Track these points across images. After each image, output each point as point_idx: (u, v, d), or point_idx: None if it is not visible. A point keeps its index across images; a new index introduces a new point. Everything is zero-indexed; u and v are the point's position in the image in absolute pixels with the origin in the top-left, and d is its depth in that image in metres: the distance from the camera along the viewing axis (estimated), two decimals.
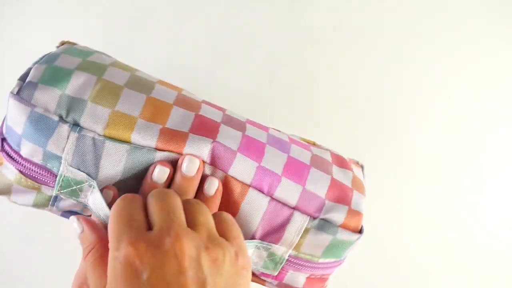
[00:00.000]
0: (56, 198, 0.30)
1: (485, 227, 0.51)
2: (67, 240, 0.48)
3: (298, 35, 0.52)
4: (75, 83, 0.29)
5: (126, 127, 0.28)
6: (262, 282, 0.34)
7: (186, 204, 0.26)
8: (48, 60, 0.30)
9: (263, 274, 0.32)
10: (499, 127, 0.51)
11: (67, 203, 0.30)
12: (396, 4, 0.52)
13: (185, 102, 0.31)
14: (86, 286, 0.28)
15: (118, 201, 0.26)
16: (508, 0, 0.52)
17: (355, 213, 0.32)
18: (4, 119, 0.30)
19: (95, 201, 0.28)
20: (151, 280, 0.22)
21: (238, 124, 0.31)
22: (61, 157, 0.28)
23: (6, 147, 0.29)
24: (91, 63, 0.30)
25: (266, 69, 0.52)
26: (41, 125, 0.28)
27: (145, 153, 0.28)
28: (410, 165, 0.51)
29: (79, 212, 0.32)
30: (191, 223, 0.25)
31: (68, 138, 0.28)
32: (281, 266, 0.31)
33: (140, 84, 0.30)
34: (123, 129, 0.28)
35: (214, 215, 0.27)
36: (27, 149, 0.28)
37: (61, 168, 0.28)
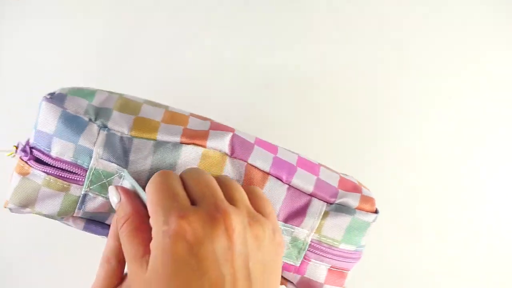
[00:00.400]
0: (84, 198, 0.30)
1: (485, 227, 0.51)
2: (67, 244, 0.48)
3: (297, 36, 0.52)
4: (100, 98, 0.32)
5: (150, 129, 0.31)
6: (284, 282, 0.34)
7: (219, 181, 0.27)
8: (66, 88, 0.32)
9: (285, 267, 0.33)
10: (499, 127, 0.51)
11: (94, 204, 0.31)
12: (395, 4, 0.52)
13: (199, 116, 0.34)
14: (113, 260, 0.28)
15: (156, 176, 0.26)
16: (508, 0, 0.52)
17: (368, 199, 0.33)
18: (30, 140, 0.31)
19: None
20: (202, 254, 0.23)
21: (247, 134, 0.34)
22: (92, 151, 0.29)
23: (35, 152, 0.30)
24: (107, 91, 0.33)
25: (265, 71, 0.52)
26: (73, 123, 0.30)
27: (171, 146, 0.30)
28: (410, 165, 0.51)
29: (105, 217, 0.32)
30: (230, 200, 0.25)
31: (98, 134, 0.30)
32: (304, 253, 0.32)
33: (155, 103, 0.34)
34: (148, 131, 0.31)
35: (247, 190, 0.27)
36: (58, 147, 0.29)
37: (91, 161, 0.29)
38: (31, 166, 0.30)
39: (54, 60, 0.50)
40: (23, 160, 0.30)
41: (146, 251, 0.25)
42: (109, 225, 0.32)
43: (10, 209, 0.31)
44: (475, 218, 0.51)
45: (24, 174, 0.30)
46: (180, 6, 0.52)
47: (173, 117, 0.32)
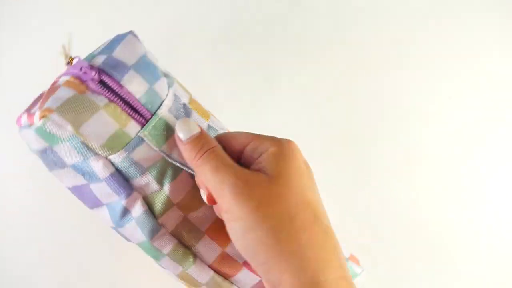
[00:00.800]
0: (137, 142, 0.28)
1: (485, 227, 0.51)
2: (66, 243, 0.48)
3: (298, 33, 0.52)
4: (161, 66, 0.31)
5: (204, 113, 0.32)
6: None
7: None
8: None
9: None
10: (499, 127, 0.51)
11: (143, 152, 0.28)
12: (395, 4, 0.52)
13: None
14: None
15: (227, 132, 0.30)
16: (508, 1, 0.52)
17: None
18: (94, 57, 0.29)
19: None
20: (310, 172, 0.28)
21: None
22: (163, 101, 0.29)
23: (104, 76, 0.28)
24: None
25: (267, 68, 0.52)
26: (152, 67, 0.29)
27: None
28: (409, 165, 0.51)
29: (136, 175, 0.29)
30: None
31: (168, 90, 0.30)
32: None
33: None
34: (203, 113, 0.31)
35: None
36: (131, 81, 0.28)
37: (160, 110, 0.29)
38: (89, 87, 0.27)
39: (54, 60, 0.50)
40: (80, 79, 0.27)
41: (245, 168, 0.27)
42: (131, 187, 0.29)
43: (45, 121, 0.26)
44: (475, 218, 0.51)
45: (79, 92, 0.27)
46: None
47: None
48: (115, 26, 0.51)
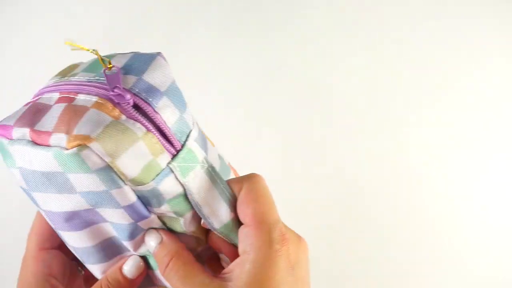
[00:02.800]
0: (166, 174, 0.26)
1: (485, 227, 0.51)
2: None
3: (297, 34, 0.52)
4: None
5: (210, 141, 0.32)
6: None
7: None
8: None
9: None
10: (498, 126, 0.51)
11: (167, 185, 0.26)
12: (395, 4, 0.52)
13: None
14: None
15: (260, 178, 0.26)
16: (508, 1, 0.52)
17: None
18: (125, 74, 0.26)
19: (201, 181, 0.27)
20: (297, 275, 0.24)
21: None
22: (189, 130, 0.27)
23: (138, 101, 0.25)
24: None
25: (267, 68, 0.52)
26: (180, 95, 0.27)
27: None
28: (410, 166, 0.51)
29: (161, 202, 0.27)
30: None
31: (193, 119, 0.28)
32: None
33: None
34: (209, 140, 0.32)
35: None
36: (166, 109, 0.26)
37: (189, 141, 0.27)
38: (123, 112, 0.25)
39: (53, 58, 0.50)
40: (112, 102, 0.24)
41: (214, 276, 0.25)
42: (149, 212, 0.27)
43: (81, 149, 0.23)
44: (475, 217, 0.51)
45: (113, 117, 0.25)
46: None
47: None
48: (116, 24, 0.51)
